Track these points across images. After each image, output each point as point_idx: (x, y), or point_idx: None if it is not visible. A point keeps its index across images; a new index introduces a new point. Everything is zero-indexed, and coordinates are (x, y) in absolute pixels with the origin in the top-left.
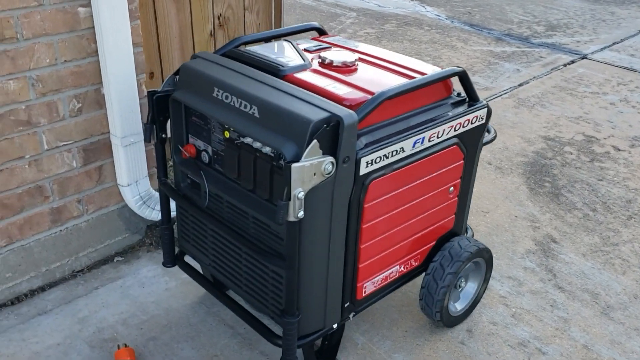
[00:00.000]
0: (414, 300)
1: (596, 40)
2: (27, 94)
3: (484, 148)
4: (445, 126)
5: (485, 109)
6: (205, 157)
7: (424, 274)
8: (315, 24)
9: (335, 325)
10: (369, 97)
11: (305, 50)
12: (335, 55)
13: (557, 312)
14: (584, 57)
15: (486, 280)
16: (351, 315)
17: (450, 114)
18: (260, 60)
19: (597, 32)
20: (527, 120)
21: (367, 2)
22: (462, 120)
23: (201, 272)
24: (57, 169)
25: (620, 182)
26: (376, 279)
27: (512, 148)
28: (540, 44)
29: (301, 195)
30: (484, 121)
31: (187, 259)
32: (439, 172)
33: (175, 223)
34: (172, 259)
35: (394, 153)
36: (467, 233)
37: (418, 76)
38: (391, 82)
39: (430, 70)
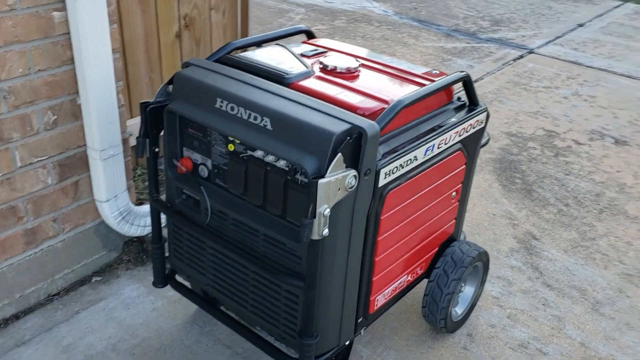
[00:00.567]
0: (410, 306)
1: (540, 35)
2: None
3: None
4: (452, 132)
5: (485, 113)
6: (203, 172)
7: (426, 280)
8: (304, 27)
9: (347, 342)
10: (383, 105)
11: (302, 55)
12: (338, 61)
13: (550, 310)
14: (531, 51)
15: (483, 282)
16: (362, 330)
17: (455, 119)
18: (261, 67)
19: (540, 26)
20: None
21: None
22: (465, 125)
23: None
24: (31, 187)
25: (587, 176)
26: (387, 291)
27: None
28: (488, 39)
29: (327, 212)
30: (483, 125)
31: (178, 277)
32: (444, 178)
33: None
34: (163, 279)
35: (409, 162)
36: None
37: (424, 82)
38: (400, 88)
39: (432, 74)
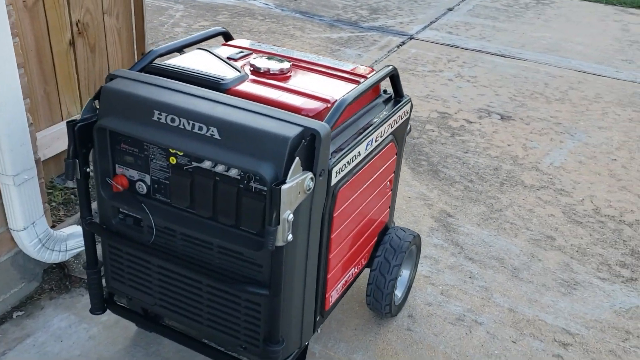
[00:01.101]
0: (351, 297)
1: (416, 21)
2: None
3: None
4: (386, 125)
5: (410, 103)
6: (142, 188)
7: (367, 270)
8: (222, 28)
9: (307, 342)
10: (326, 105)
11: (229, 58)
12: (269, 63)
13: (476, 282)
14: (412, 37)
15: (416, 264)
16: (319, 329)
17: (386, 112)
18: (194, 75)
19: (414, 12)
20: None
21: None
22: (395, 117)
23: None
24: None
25: (483, 152)
26: (339, 286)
27: None
28: (370, 28)
29: (290, 217)
30: (408, 115)
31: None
32: (381, 169)
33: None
34: (102, 305)
35: (354, 158)
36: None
37: (356, 78)
38: (337, 86)
39: (361, 70)
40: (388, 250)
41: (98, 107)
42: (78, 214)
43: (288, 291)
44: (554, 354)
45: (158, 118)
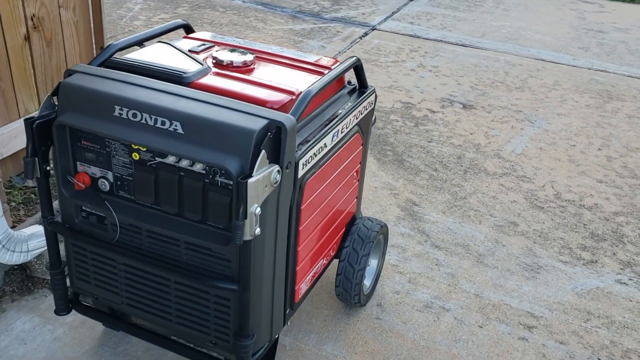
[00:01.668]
0: (320, 288)
1: (378, 12)
2: None
3: None
4: (351, 116)
5: (374, 94)
6: (104, 185)
7: (336, 261)
8: (183, 21)
9: (277, 335)
10: (291, 97)
11: (190, 51)
12: (232, 56)
13: (443, 269)
14: (374, 28)
15: (384, 254)
16: (289, 321)
17: (351, 102)
18: (155, 68)
19: (376, 3)
20: None
21: None
22: (360, 107)
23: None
24: None
25: (446, 141)
26: (308, 277)
27: None
28: (333, 19)
29: (258, 211)
30: (373, 105)
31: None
32: (347, 160)
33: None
34: (67, 305)
35: (320, 150)
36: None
37: (320, 69)
38: (301, 78)
39: (324, 61)
40: (356, 241)
41: (57, 103)
42: (39, 214)
43: (257, 285)
44: (519, 336)
45: (119, 113)
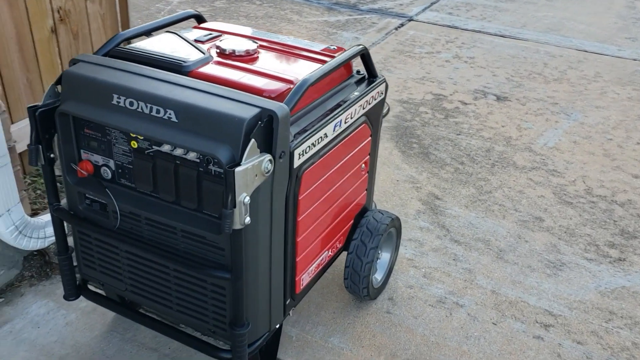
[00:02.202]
0: (331, 280)
1: (416, 2)
2: None
3: None
4: (356, 105)
5: (384, 84)
6: (106, 173)
7: (345, 253)
8: (193, 11)
9: (277, 325)
10: (289, 86)
11: (196, 41)
12: (235, 45)
13: (460, 264)
14: (411, 19)
15: (397, 247)
16: (291, 312)
17: (357, 92)
18: (156, 57)
19: None
20: None
21: None
22: (368, 97)
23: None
24: None
25: (476, 134)
26: (310, 269)
27: None
28: (369, 10)
29: (247, 200)
30: (383, 96)
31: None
32: (353, 151)
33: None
34: (75, 291)
35: (320, 140)
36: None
37: (324, 58)
38: (302, 67)
39: (331, 50)
40: (365, 233)
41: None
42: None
43: (252, 274)
44: (534, 335)
45: (117, 102)
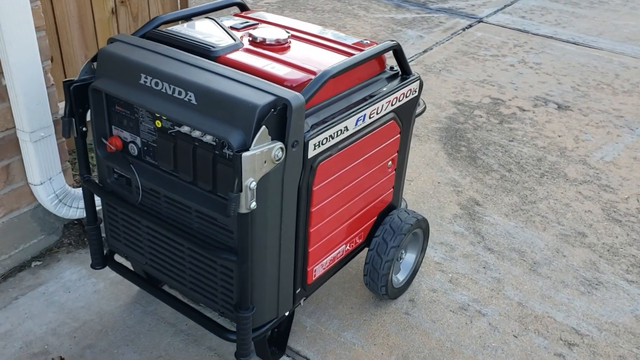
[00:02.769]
0: (354, 276)
1: (489, 4)
2: None
3: None
4: (384, 101)
5: (418, 82)
6: (133, 150)
7: (367, 249)
8: None
9: (287, 313)
10: (311, 76)
11: (232, 28)
12: (267, 33)
13: (490, 273)
14: (480, 20)
15: (423, 249)
16: (302, 301)
17: (386, 88)
18: (188, 41)
19: None
20: (435, 87)
21: None
22: (398, 94)
23: (132, 269)
24: None
25: (529, 142)
26: (325, 261)
27: (425, 115)
28: (438, 10)
29: (253, 185)
30: (416, 94)
31: (117, 257)
32: (378, 148)
33: (103, 222)
34: (102, 260)
35: (339, 133)
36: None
37: (353, 52)
38: (329, 59)
39: (363, 44)
40: (387, 231)
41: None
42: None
43: (259, 259)
44: (556, 352)
45: (144, 81)
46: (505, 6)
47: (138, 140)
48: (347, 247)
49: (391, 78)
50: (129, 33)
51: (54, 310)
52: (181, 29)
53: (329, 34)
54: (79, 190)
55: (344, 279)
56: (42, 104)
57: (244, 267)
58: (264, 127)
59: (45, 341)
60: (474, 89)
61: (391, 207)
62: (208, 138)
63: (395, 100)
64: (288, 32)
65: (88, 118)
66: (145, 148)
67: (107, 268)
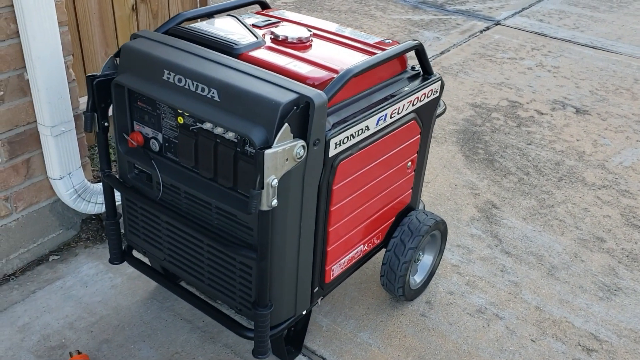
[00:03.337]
0: (371, 276)
1: (507, 7)
2: None
3: None
4: (405, 101)
5: (439, 82)
6: (154, 145)
7: (384, 250)
8: None
9: (304, 312)
10: (333, 75)
11: (253, 25)
12: (289, 31)
13: (507, 276)
14: (498, 23)
15: (441, 251)
16: (319, 300)
17: (408, 88)
18: (210, 38)
19: None
20: (453, 89)
21: None
22: (419, 94)
23: (150, 265)
24: None
25: (547, 145)
26: (343, 260)
27: (443, 117)
28: (456, 11)
29: (275, 182)
30: (437, 94)
31: (135, 253)
32: (398, 148)
33: (122, 217)
34: (120, 256)
35: (360, 132)
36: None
37: (376, 51)
38: (351, 58)
39: (385, 44)
40: (405, 233)
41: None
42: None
43: (278, 257)
44: (574, 357)
45: (167, 77)
46: (523, 9)
47: (159, 136)
48: (365, 247)
49: (412, 78)
50: (149, 30)
51: (71, 304)
52: (203, 26)
53: (351, 32)
54: (98, 186)
55: (360, 279)
56: (63, 99)
57: (263, 264)
58: (286, 124)
59: (62, 335)
60: (491, 91)
61: (409, 208)
62: (230, 135)
63: (416, 100)
64: (310, 31)
65: (110, 113)
66: (167, 144)
67: (124, 263)
